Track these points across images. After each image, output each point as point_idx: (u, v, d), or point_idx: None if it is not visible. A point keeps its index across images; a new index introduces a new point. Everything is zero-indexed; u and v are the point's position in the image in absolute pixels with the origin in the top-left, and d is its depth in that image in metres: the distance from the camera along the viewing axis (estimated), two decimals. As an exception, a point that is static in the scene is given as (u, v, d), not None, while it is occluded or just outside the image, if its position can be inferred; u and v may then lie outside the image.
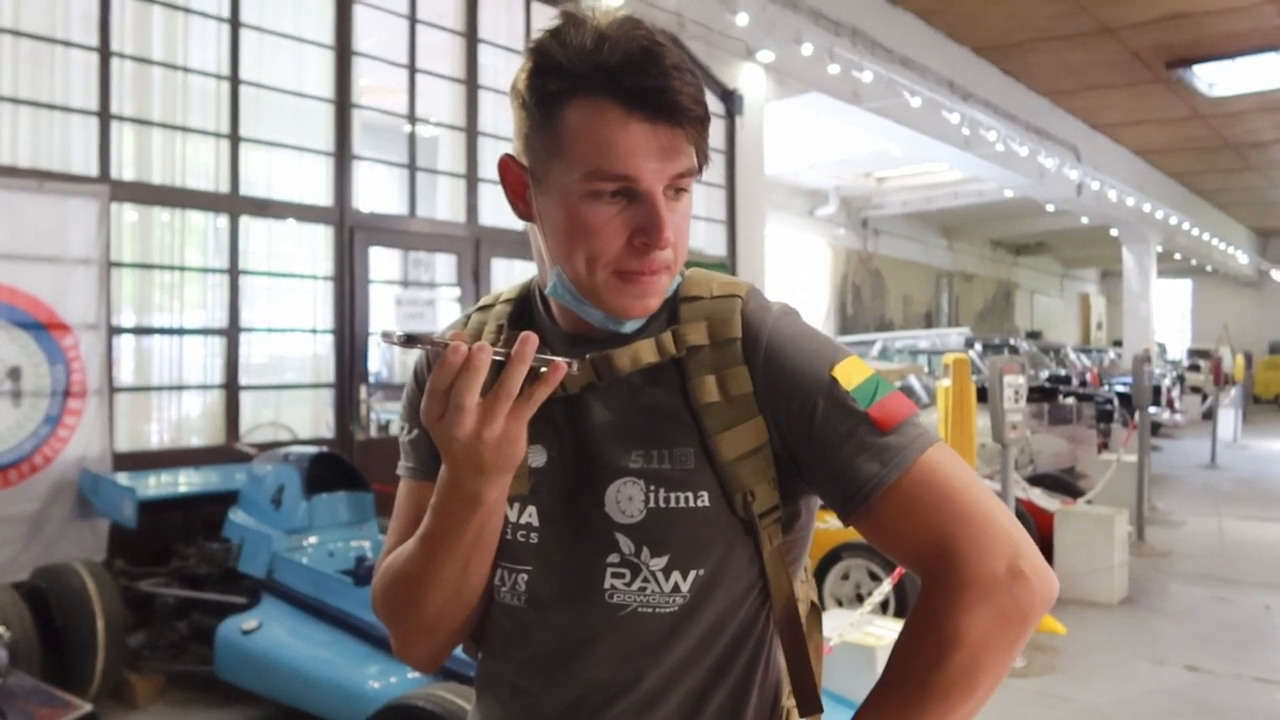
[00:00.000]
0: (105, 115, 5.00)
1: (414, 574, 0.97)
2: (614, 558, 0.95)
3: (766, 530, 0.95)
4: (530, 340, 0.83)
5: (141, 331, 5.34)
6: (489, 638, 1.04)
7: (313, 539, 4.05)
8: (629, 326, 0.97)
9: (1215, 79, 12.50)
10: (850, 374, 0.94)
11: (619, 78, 0.87)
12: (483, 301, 1.11)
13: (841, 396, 0.92)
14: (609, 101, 0.87)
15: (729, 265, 8.64)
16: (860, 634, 3.41)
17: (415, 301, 6.59)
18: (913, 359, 12.44)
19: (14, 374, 4.61)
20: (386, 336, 0.81)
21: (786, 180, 15.91)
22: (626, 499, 0.95)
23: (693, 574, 0.94)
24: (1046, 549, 5.93)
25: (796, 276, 16.78)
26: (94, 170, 4.96)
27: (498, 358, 0.83)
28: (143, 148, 5.25)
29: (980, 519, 0.89)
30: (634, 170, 0.88)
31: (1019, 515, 5.34)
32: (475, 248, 6.75)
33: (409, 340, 0.81)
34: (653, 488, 0.94)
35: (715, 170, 8.74)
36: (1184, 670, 4.64)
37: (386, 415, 6.59)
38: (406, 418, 1.09)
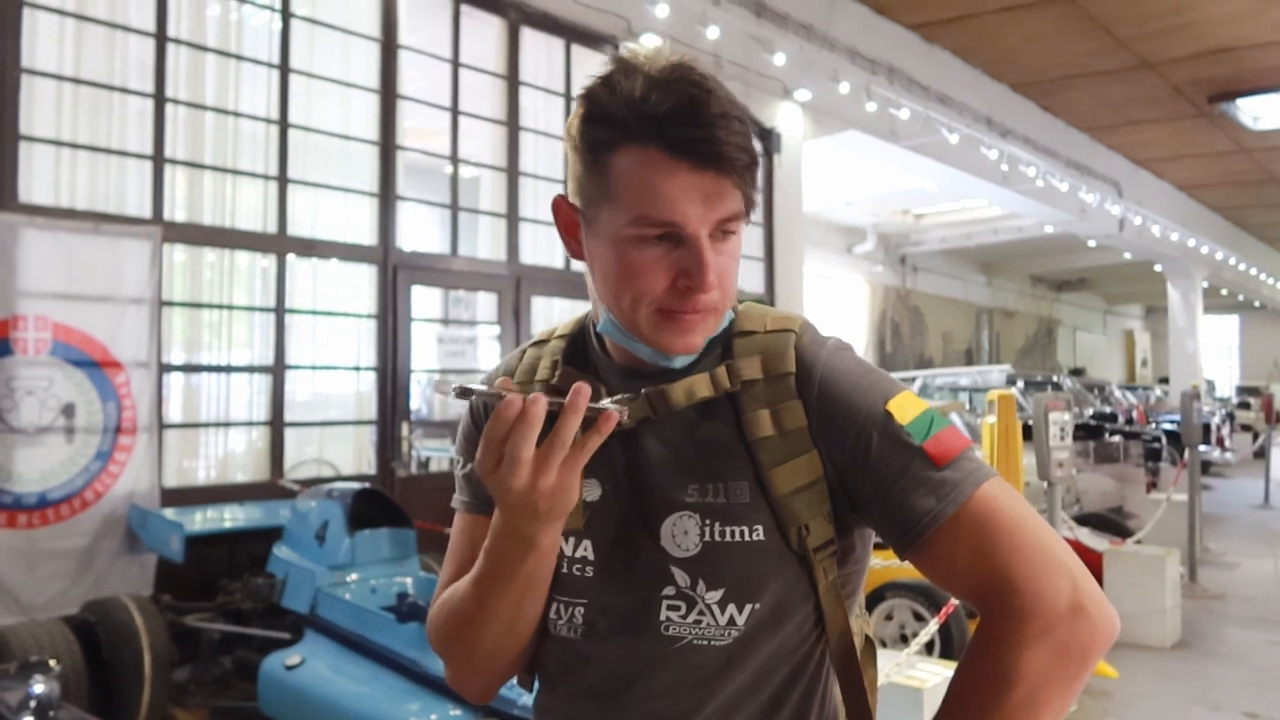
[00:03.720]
0: (159, 159, 5.14)
1: (468, 612, 0.99)
2: (669, 590, 0.95)
3: (821, 564, 0.95)
4: (583, 392, 0.84)
5: (190, 369, 5.44)
6: (545, 669, 1.05)
7: (355, 575, 4.07)
8: (678, 362, 0.98)
9: (1259, 112, 12.36)
10: (905, 408, 0.94)
11: (666, 128, 0.89)
12: (539, 336, 1.13)
13: (896, 430, 0.93)
14: (656, 150, 0.89)
15: (767, 303, 8.62)
16: (905, 675, 3.35)
17: (456, 340, 6.66)
18: (954, 396, 12.30)
19: (68, 411, 4.71)
20: (440, 388, 0.83)
21: (824, 217, 15.92)
22: (682, 532, 0.95)
23: (748, 607, 0.94)
24: (1095, 590, 5.79)
25: (835, 313, 16.73)
26: (147, 212, 5.09)
27: (552, 408, 0.84)
28: (194, 190, 5.39)
29: (1039, 554, 0.88)
30: (679, 216, 0.90)
31: (1066, 555, 5.22)
32: (516, 286, 6.82)
33: (464, 392, 0.82)
34: (708, 521, 0.95)
35: (753, 208, 8.75)
36: (1242, 717, 4.49)
37: (427, 452, 6.63)
38: (461, 451, 1.10)
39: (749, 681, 0.95)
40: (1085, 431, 10.16)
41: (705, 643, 0.94)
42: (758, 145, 1.04)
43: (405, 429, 6.16)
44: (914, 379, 13.66)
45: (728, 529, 0.95)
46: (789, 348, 0.98)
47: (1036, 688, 0.85)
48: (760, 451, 0.95)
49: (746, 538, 0.94)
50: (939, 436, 0.93)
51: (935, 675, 3.40)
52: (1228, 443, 15.79)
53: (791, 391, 0.96)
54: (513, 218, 6.86)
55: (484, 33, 6.81)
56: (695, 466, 0.97)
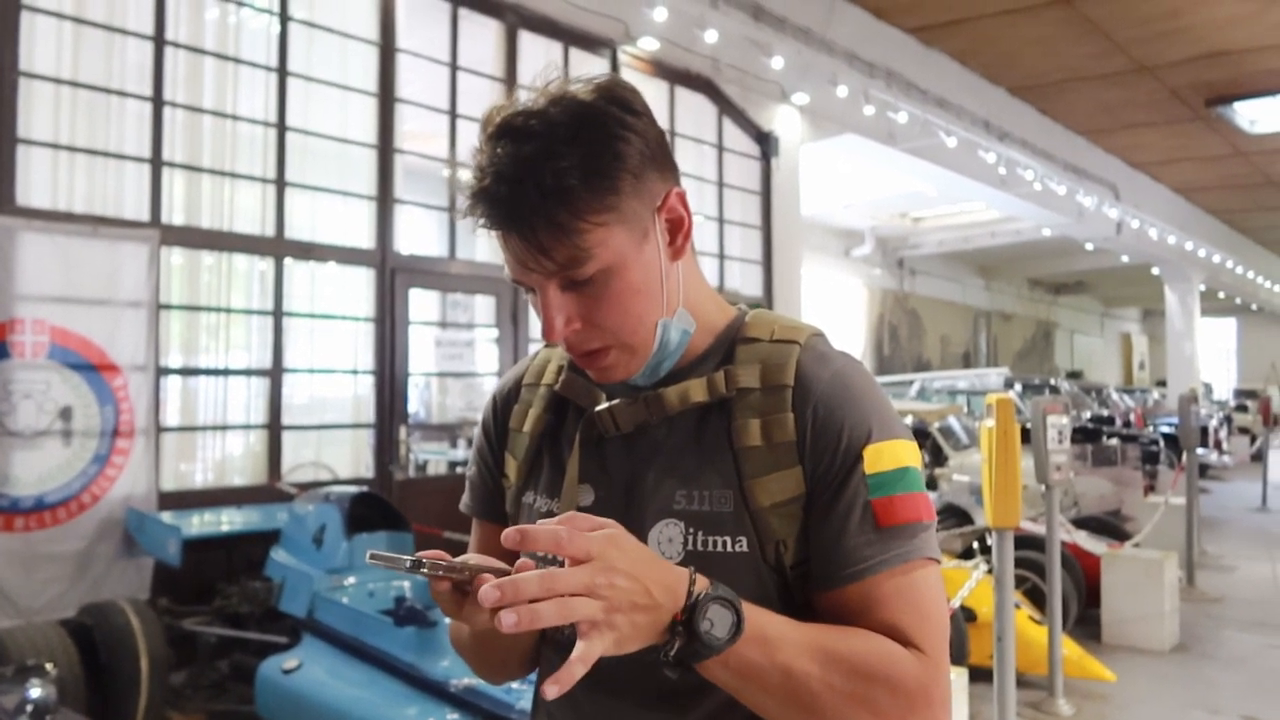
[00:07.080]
0: (157, 162, 5.14)
1: (472, 640, 1.06)
2: None
3: (798, 583, 0.94)
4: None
5: (188, 373, 5.43)
6: (540, 670, 1.09)
7: (353, 579, 4.06)
8: (636, 380, 0.99)
9: (1256, 116, 12.38)
10: (880, 457, 0.93)
11: (478, 203, 0.91)
12: None
13: (860, 475, 0.92)
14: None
15: (765, 306, 8.63)
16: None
17: (454, 343, 6.66)
18: (951, 399, 12.30)
19: (65, 414, 4.71)
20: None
21: (822, 221, 15.93)
22: (667, 540, 0.95)
23: None
24: (1094, 593, 5.80)
25: (833, 317, 16.73)
26: (146, 215, 5.09)
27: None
28: (192, 193, 5.38)
29: (920, 671, 0.88)
30: (518, 276, 0.94)
31: (1064, 560, 5.22)
32: (514, 289, 6.80)
33: (416, 565, 0.79)
34: (692, 530, 0.95)
35: (751, 211, 8.79)
36: (1240, 720, 4.50)
37: (425, 455, 6.63)
38: (472, 459, 1.14)
39: (727, 701, 0.92)
40: (1083, 435, 10.16)
41: None
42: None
43: (403, 432, 6.16)
44: (912, 382, 13.67)
45: (710, 538, 0.94)
46: (790, 359, 0.97)
47: (876, 698, 0.86)
48: (744, 461, 0.94)
49: (729, 549, 0.93)
50: (895, 498, 0.92)
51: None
52: (1225, 446, 15.80)
53: (786, 404, 0.95)
54: (511, 221, 6.85)
55: (482, 36, 6.82)
56: (684, 473, 0.96)
